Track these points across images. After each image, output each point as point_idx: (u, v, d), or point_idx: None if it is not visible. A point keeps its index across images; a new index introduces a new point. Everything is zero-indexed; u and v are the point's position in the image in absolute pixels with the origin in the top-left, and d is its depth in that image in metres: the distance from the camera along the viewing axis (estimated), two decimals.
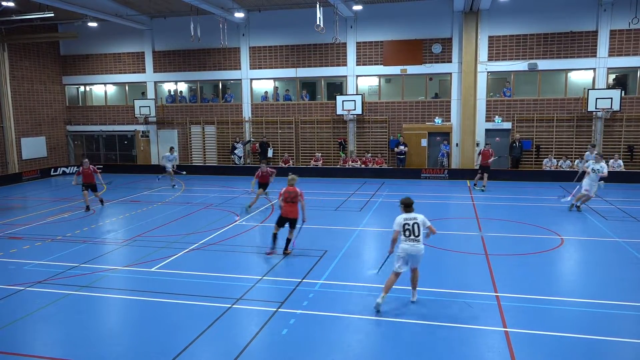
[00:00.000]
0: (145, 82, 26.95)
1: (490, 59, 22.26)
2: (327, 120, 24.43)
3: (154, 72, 26.66)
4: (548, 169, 21.43)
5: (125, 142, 28.03)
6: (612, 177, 20.31)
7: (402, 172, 22.64)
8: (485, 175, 18.82)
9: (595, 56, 21.27)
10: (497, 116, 22.51)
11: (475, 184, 19.54)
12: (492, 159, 18.94)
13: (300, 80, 25.04)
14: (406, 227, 7.76)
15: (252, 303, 8.20)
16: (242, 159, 25.13)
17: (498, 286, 8.80)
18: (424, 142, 23.10)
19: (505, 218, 14.36)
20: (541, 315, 7.63)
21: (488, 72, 22.40)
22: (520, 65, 21.99)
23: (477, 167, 19.46)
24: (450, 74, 22.88)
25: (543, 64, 21.81)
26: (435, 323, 7.35)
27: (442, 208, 16.33)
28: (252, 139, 25.41)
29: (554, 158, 21.66)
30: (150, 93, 26.93)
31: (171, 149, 21.23)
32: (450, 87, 23.08)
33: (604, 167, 14.15)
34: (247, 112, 25.59)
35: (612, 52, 21.11)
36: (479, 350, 6.61)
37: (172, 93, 27.23)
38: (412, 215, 7.83)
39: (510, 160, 22.13)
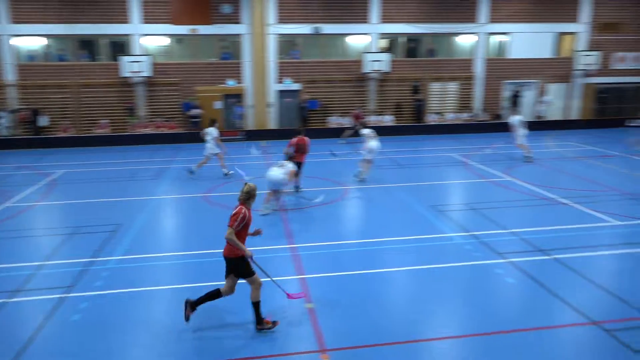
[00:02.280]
0: None
1: (278, 21, 22.91)
2: (112, 83, 22.38)
3: None
4: (334, 126, 23.37)
5: None
6: (384, 131, 23.01)
7: (198, 135, 22.18)
8: None
9: (368, 22, 23.56)
10: (286, 78, 23.49)
11: None
12: None
13: (77, 39, 22.29)
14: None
15: (33, 293, 7.31)
16: (9, 129, 21.57)
17: (295, 237, 9.45)
18: (219, 105, 22.96)
19: None
20: (331, 259, 8.49)
21: (277, 34, 23.07)
22: (306, 28, 23.16)
23: None
24: (241, 35, 22.94)
25: (326, 28, 23.31)
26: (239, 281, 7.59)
27: (242, 169, 16.59)
28: (21, 106, 21.92)
29: (339, 116, 23.68)
30: None
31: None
32: (241, 49, 23.18)
33: None
34: (9, 74, 21.87)
35: (383, 20, 23.63)
36: (280, 299, 7.05)
37: None
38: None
39: (300, 120, 23.42)
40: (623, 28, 25.26)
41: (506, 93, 25.02)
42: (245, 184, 6.33)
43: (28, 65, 22.08)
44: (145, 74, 21.72)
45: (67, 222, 10.49)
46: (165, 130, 22.20)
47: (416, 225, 10.14)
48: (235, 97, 23.16)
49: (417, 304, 6.95)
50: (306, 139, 12.58)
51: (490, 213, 10.76)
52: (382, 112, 24.04)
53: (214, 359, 5.68)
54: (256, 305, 6.16)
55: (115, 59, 22.24)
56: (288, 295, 6.61)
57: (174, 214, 11.76)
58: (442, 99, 24.80)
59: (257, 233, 6.69)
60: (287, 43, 24.05)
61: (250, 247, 6.19)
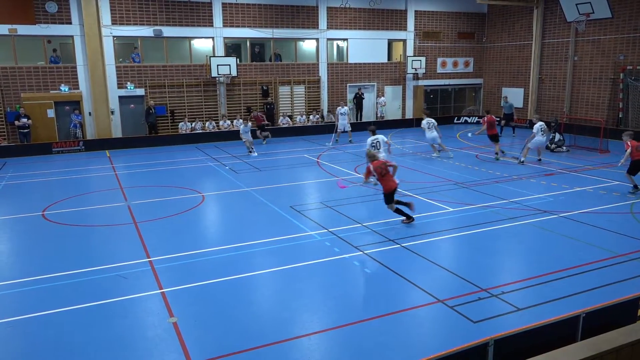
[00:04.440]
0: None
1: (114, 23, 21.41)
2: None
3: None
4: (184, 132, 22.62)
5: None
6: (227, 136, 22.79)
7: (28, 148, 19.83)
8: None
9: (212, 26, 23.22)
10: (129, 82, 22.10)
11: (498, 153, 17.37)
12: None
13: None
14: (373, 143, 13.19)
15: None
16: None
17: (150, 251, 8.95)
18: (51, 113, 20.71)
19: (149, 184, 14.56)
20: (191, 270, 8.21)
21: (114, 36, 21.56)
22: (146, 31, 22.01)
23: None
24: (72, 36, 20.96)
25: (168, 31, 22.42)
26: (94, 303, 6.97)
27: (83, 183, 15.22)
28: None
29: (188, 121, 22.97)
30: None
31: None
32: (74, 52, 21.19)
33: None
34: None
35: (226, 24, 23.47)
36: (140, 317, 6.66)
37: None
38: (376, 136, 13.36)
39: (147, 127, 22.25)
40: (441, 37, 28.60)
41: (350, 95, 26.65)
42: (368, 150, 11.17)
43: None
44: None
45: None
46: None
47: (277, 227, 10.29)
48: (71, 105, 21.11)
49: (285, 303, 7.07)
50: (492, 117, 17.37)
51: (344, 209, 11.38)
52: (233, 116, 23.92)
53: None
54: (398, 211, 10.22)
55: None
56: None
57: (4, 238, 10.33)
58: (291, 102, 25.49)
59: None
60: (127, 46, 22.64)
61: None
